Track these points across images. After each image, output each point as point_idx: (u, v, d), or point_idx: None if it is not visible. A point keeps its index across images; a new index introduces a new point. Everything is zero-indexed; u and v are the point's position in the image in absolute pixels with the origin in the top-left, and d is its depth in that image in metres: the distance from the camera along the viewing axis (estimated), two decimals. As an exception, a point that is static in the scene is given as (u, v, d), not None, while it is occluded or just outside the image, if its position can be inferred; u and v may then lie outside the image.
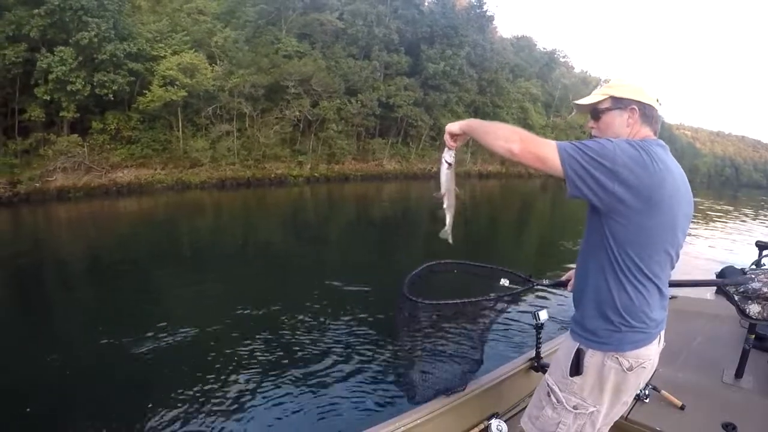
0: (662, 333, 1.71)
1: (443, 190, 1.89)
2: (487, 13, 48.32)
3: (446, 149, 1.81)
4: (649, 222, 1.51)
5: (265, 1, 35.33)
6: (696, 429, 2.36)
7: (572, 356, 1.67)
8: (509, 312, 7.24)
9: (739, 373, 2.81)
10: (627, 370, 1.61)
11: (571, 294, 1.88)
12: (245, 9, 35.87)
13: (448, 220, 1.97)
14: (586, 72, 72.32)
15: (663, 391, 2.55)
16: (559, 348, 1.83)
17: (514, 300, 2.50)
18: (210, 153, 30.86)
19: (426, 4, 45.01)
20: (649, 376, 1.78)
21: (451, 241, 2.01)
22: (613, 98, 1.68)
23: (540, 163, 1.50)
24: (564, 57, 69.17)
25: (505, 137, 1.54)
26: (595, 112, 1.72)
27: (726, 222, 23.69)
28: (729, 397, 2.65)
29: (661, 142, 1.63)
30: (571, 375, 1.67)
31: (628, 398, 1.75)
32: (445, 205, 1.92)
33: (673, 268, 1.68)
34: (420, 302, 2.21)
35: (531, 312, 2.70)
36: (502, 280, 2.51)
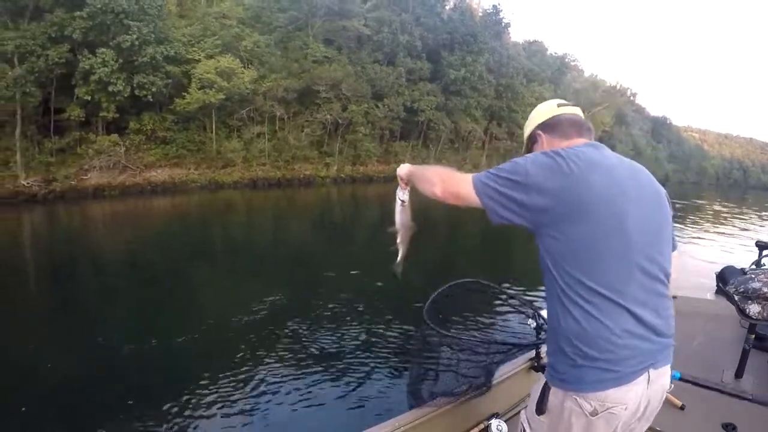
0: (657, 371, 1.38)
1: (397, 225, 1.89)
2: (504, 21, 47.94)
3: (399, 188, 1.82)
4: (585, 228, 1.30)
5: (294, 8, 35.07)
6: (696, 429, 2.30)
7: (539, 392, 1.48)
8: (509, 311, 7.36)
9: (739, 373, 2.74)
10: (590, 414, 1.32)
11: None
12: (276, 15, 35.60)
13: (400, 254, 1.95)
14: (596, 76, 71.73)
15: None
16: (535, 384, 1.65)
17: (521, 351, 2.45)
18: (243, 154, 30.66)
19: (446, 11, 44.44)
20: (632, 420, 1.40)
21: (399, 275, 2.01)
22: (528, 138, 1.69)
23: (460, 201, 1.46)
24: (574, 61, 68.71)
25: (430, 181, 1.53)
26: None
27: (730, 223, 23.31)
28: (729, 397, 2.53)
29: (594, 143, 1.49)
30: (537, 414, 1.47)
31: None
32: (398, 240, 1.91)
33: (656, 279, 1.40)
34: (432, 328, 2.27)
35: (531, 312, 2.69)
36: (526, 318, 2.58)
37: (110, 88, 25.05)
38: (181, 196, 26.23)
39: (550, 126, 1.59)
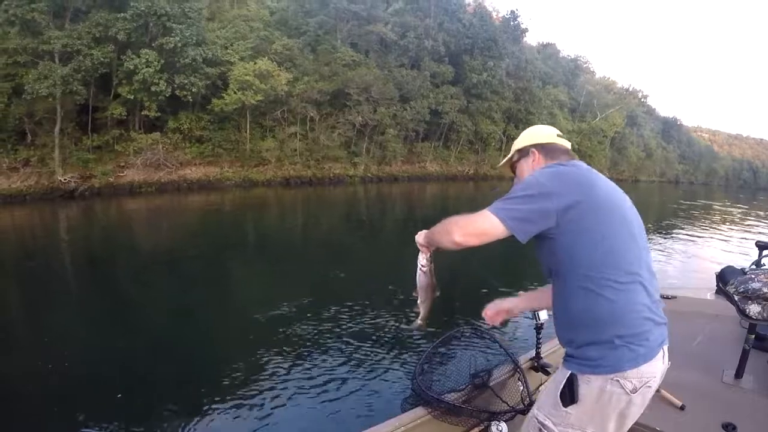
0: (666, 347, 1.50)
1: (418, 288, 1.94)
2: (522, 26, 47.91)
3: (420, 253, 1.85)
4: (602, 218, 1.43)
5: (323, 12, 35.04)
6: (696, 429, 2.23)
7: (563, 384, 1.47)
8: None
9: (739, 373, 2.65)
10: (631, 392, 1.40)
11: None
12: (304, 19, 35.68)
13: (422, 313, 2.00)
14: (607, 77, 71.57)
15: (663, 391, 2.39)
16: (548, 381, 1.67)
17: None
18: (276, 153, 30.70)
19: (466, 16, 44.24)
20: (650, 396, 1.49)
21: (419, 327, 2.09)
22: (518, 150, 1.77)
23: (484, 237, 1.46)
24: (586, 63, 68.76)
25: (448, 232, 1.53)
26: (512, 167, 1.81)
27: (731, 223, 23.02)
28: (729, 397, 2.51)
29: (577, 162, 1.62)
30: (565, 405, 1.47)
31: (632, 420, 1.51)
32: (419, 301, 1.97)
33: (651, 262, 1.53)
34: (423, 391, 2.34)
35: (531, 312, 2.61)
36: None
37: (153, 88, 25.02)
38: (216, 193, 26.19)
39: (546, 149, 1.69)
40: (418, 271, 1.91)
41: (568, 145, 1.74)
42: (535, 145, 1.72)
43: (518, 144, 1.78)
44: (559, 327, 1.59)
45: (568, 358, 1.52)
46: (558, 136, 1.74)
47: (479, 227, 1.46)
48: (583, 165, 1.54)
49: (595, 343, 1.42)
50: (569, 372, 1.47)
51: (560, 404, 1.47)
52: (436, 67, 38.98)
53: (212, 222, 17.83)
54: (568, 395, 1.45)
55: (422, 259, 1.86)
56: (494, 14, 50.44)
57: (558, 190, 1.42)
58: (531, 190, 1.43)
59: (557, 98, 52.36)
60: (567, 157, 1.68)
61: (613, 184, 1.54)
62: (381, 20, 37.21)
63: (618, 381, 1.39)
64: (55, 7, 24.06)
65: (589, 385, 1.43)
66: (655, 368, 1.43)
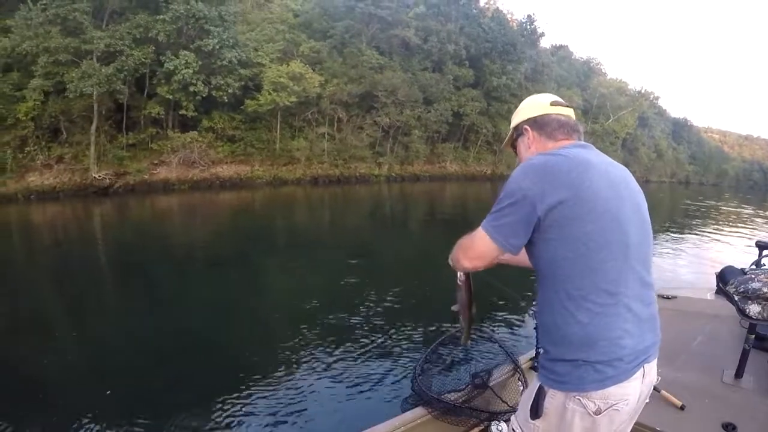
0: (650, 365, 1.36)
1: (458, 304, 1.86)
2: (538, 30, 47.91)
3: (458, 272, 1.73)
4: (589, 227, 1.24)
5: (350, 17, 35.21)
6: (696, 429, 2.20)
7: (533, 396, 1.39)
8: (509, 311, 7.06)
9: (739, 373, 2.62)
10: (594, 413, 1.28)
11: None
12: (329, 23, 35.85)
13: (464, 331, 1.94)
14: (619, 79, 71.24)
15: (663, 391, 2.37)
16: (528, 387, 1.60)
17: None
18: (306, 153, 31.00)
19: (485, 21, 44.17)
20: (631, 417, 1.40)
21: (467, 343, 2.07)
22: (513, 129, 1.59)
23: (487, 260, 1.38)
24: (598, 64, 68.16)
25: (457, 259, 1.46)
26: (513, 148, 1.64)
27: (732, 223, 22.80)
28: (729, 397, 2.47)
29: (583, 143, 1.43)
30: (532, 418, 1.39)
31: None
32: (460, 317, 1.90)
33: (648, 273, 1.36)
34: (425, 391, 2.36)
35: (531, 312, 2.81)
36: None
37: (191, 89, 25.21)
38: (246, 191, 26.48)
39: (538, 124, 1.49)
40: (457, 287, 1.83)
41: (567, 112, 1.51)
42: (527, 121, 1.53)
43: (513, 123, 1.61)
44: (538, 327, 1.50)
45: (540, 368, 1.42)
46: (553, 104, 1.51)
47: (477, 251, 1.38)
48: (578, 154, 1.33)
49: (561, 360, 1.32)
50: (539, 384, 1.39)
51: (529, 417, 1.40)
52: (458, 70, 39.14)
53: (243, 219, 17.98)
54: (535, 408, 1.38)
55: (459, 275, 1.77)
56: (509, 16, 50.73)
57: (540, 189, 1.25)
58: (514, 196, 1.28)
59: (571, 99, 52.61)
60: (564, 132, 1.47)
61: (614, 176, 1.34)
62: (405, 24, 37.20)
63: (579, 400, 1.29)
64: (93, 8, 24.32)
65: (553, 400, 1.34)
66: (628, 390, 1.30)
